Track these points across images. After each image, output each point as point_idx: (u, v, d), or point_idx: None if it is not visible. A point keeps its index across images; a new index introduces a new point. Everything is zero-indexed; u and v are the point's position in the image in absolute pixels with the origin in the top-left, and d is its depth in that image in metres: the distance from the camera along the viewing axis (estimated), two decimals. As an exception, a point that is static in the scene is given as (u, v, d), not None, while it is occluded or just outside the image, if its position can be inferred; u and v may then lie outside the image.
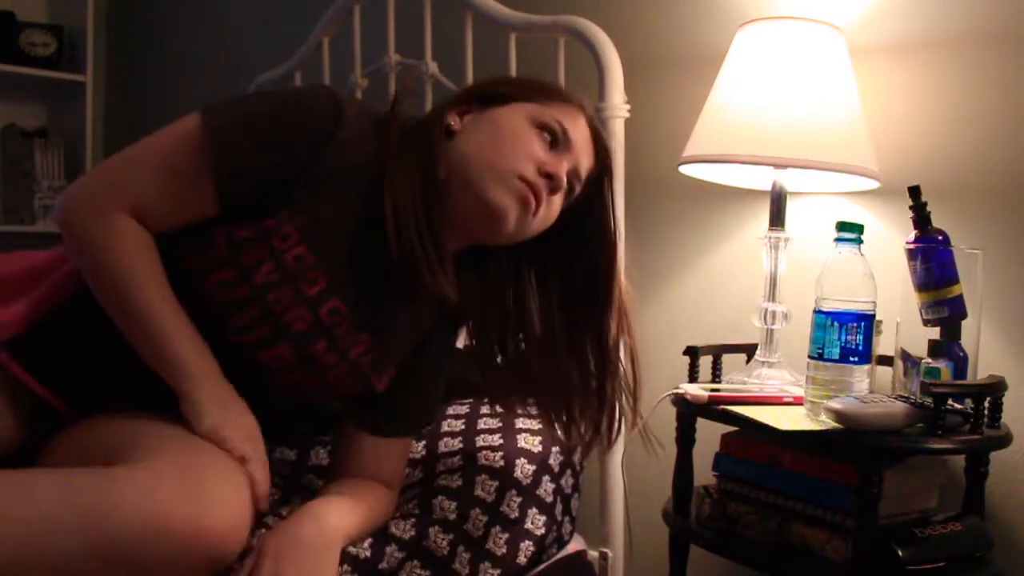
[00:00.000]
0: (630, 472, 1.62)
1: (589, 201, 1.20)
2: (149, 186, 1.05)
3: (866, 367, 1.27)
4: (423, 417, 1.31)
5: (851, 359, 1.25)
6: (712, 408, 1.37)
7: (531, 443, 1.40)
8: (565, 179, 1.13)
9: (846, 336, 1.25)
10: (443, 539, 1.20)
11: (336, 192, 1.08)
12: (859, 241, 1.29)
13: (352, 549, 1.12)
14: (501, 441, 1.37)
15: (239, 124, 1.05)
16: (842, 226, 1.29)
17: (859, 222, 1.30)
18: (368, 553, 1.13)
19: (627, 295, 1.23)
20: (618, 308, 1.21)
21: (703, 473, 1.49)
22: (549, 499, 1.38)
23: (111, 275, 1.04)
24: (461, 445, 1.37)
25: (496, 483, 1.30)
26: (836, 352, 1.26)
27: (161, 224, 1.06)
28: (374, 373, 1.18)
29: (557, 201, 1.15)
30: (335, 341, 1.13)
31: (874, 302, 1.27)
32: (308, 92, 1.10)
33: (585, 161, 1.17)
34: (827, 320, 1.26)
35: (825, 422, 1.23)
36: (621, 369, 1.23)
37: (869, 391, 1.28)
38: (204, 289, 1.07)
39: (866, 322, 1.26)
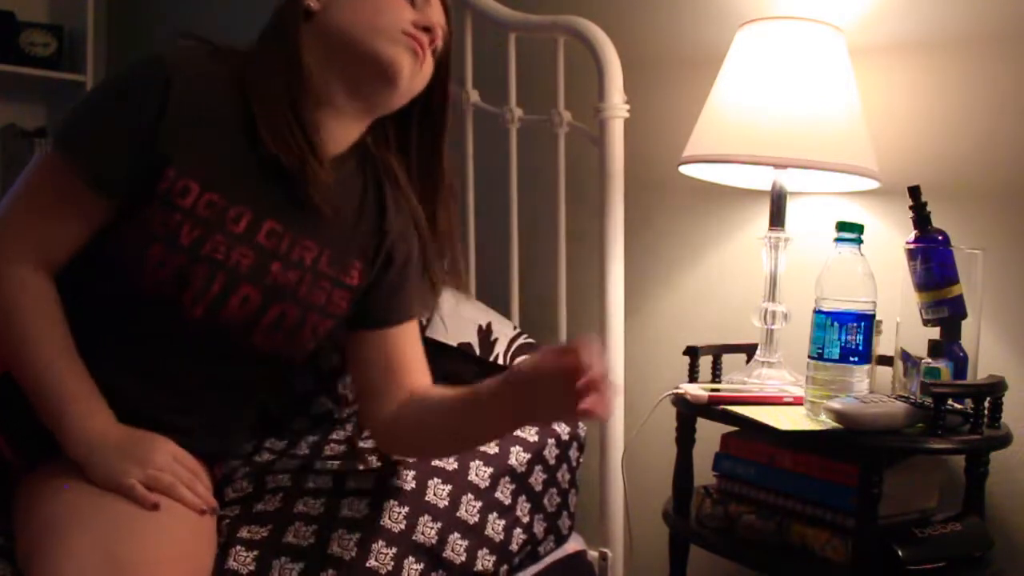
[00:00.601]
0: (630, 472, 1.62)
1: (437, 72, 1.23)
2: (36, 226, 1.07)
3: (866, 367, 1.27)
4: (420, 296, 1.28)
5: (851, 359, 1.25)
6: (712, 408, 1.37)
7: (527, 432, 1.41)
8: (440, 31, 1.18)
9: (846, 336, 1.25)
10: (431, 528, 1.20)
11: (207, 130, 1.09)
12: (859, 241, 1.29)
13: (337, 550, 1.11)
14: None
15: (85, 129, 1.08)
16: (842, 226, 1.29)
17: (859, 222, 1.30)
18: (354, 554, 1.12)
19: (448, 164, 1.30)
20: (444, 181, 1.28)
21: (703, 473, 1.49)
22: (539, 488, 1.39)
23: (6, 338, 1.06)
24: None
25: (490, 469, 1.30)
26: (836, 352, 1.26)
27: (68, 250, 1.08)
28: (342, 272, 1.17)
29: (431, 57, 1.18)
30: (286, 258, 1.13)
31: (874, 302, 1.27)
32: (127, 67, 1.11)
33: (442, 21, 1.21)
34: (827, 320, 1.26)
35: (825, 422, 1.23)
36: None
37: (869, 391, 1.28)
38: (149, 280, 1.06)
39: (866, 322, 1.26)
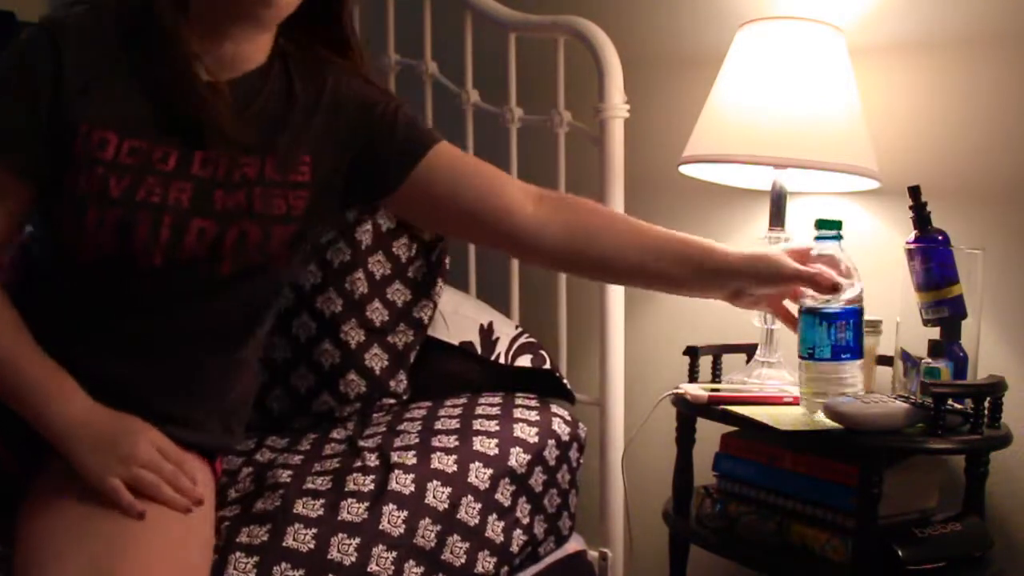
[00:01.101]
0: (630, 472, 1.62)
1: None
2: None
3: (858, 362, 1.26)
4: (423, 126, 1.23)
5: (843, 356, 1.24)
6: (712, 408, 1.37)
7: (527, 433, 1.41)
8: None
9: (836, 334, 1.24)
10: (431, 531, 1.20)
11: (109, 80, 1.06)
12: (839, 238, 1.26)
13: (337, 555, 1.11)
14: (497, 428, 1.38)
15: None
16: (821, 224, 1.26)
17: (838, 218, 1.26)
18: (354, 559, 1.12)
19: None
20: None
21: (703, 473, 1.49)
22: (539, 489, 1.39)
23: None
24: (458, 425, 1.37)
25: (490, 471, 1.30)
26: (827, 352, 1.24)
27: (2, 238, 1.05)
28: (291, 172, 1.12)
29: None
30: (227, 182, 1.08)
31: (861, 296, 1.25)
32: (11, 45, 1.08)
33: None
34: (815, 319, 1.25)
35: (822, 421, 1.23)
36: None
37: (864, 388, 1.27)
38: (92, 244, 1.03)
39: (854, 318, 1.24)
